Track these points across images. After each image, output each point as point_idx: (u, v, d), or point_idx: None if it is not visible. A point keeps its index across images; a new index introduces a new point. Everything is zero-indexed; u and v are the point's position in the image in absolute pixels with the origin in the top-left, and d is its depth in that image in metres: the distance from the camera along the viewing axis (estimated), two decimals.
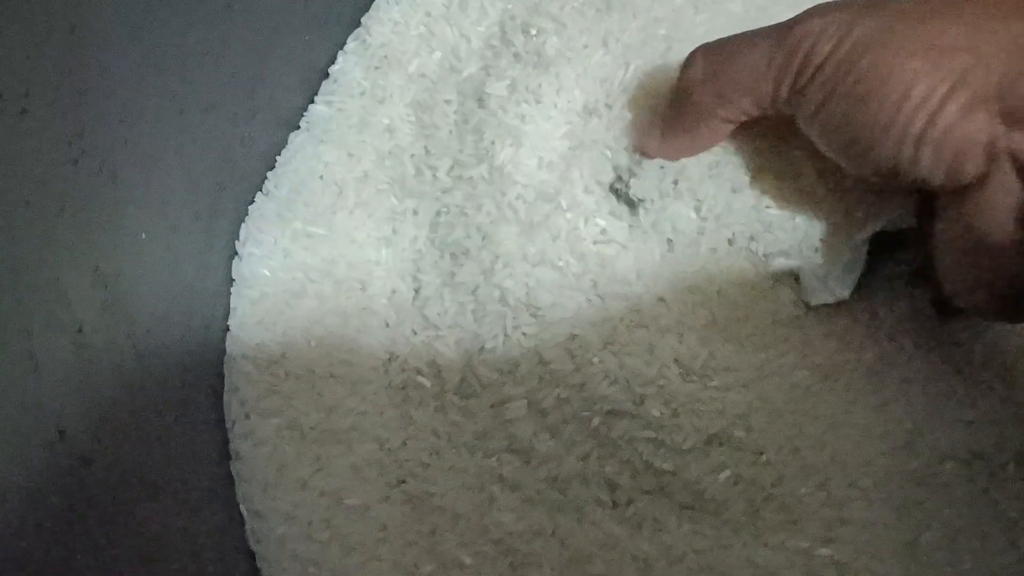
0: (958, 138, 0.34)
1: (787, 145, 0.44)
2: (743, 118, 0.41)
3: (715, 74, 0.41)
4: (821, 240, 0.43)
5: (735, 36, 0.41)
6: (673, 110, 0.43)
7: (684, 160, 0.44)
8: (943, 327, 0.44)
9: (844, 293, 0.44)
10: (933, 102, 0.34)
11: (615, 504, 0.44)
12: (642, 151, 0.45)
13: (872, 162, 0.37)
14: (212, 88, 0.45)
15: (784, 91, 0.39)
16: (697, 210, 0.44)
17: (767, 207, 0.44)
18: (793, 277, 0.45)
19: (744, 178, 0.44)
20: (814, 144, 0.40)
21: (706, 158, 0.44)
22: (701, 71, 0.41)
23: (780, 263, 0.44)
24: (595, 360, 0.43)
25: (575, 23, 0.49)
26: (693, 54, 0.42)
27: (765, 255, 0.44)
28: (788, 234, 0.43)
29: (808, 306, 0.45)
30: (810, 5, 0.39)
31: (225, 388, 0.48)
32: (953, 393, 0.43)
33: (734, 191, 0.44)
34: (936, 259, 0.39)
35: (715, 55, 0.41)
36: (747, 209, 0.44)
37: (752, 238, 0.44)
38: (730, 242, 0.44)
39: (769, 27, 0.39)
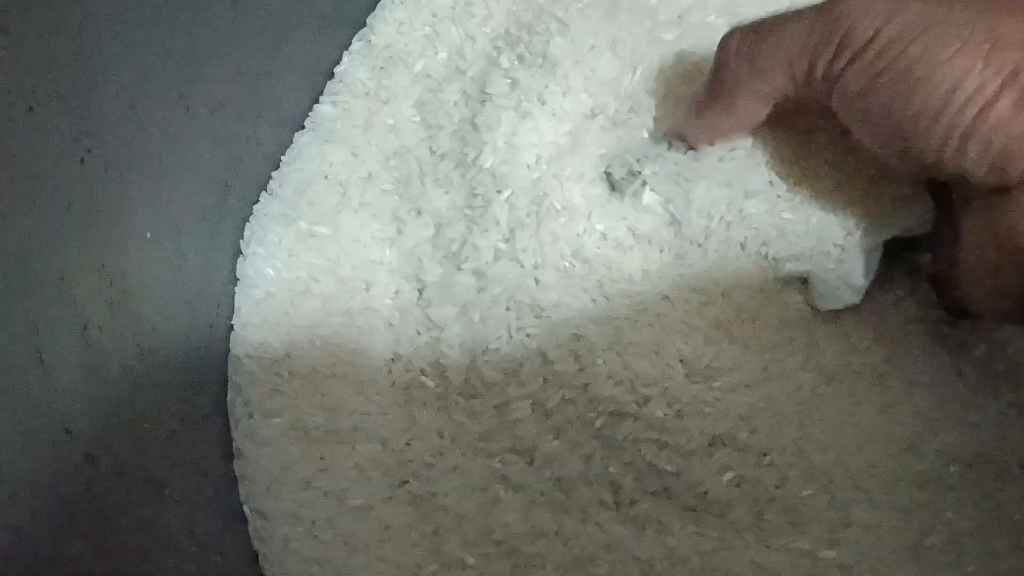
0: (1008, 135, 0.34)
1: (806, 149, 0.44)
2: (778, 97, 0.41)
3: (752, 47, 0.40)
4: (835, 244, 0.43)
5: (773, 14, 0.40)
6: (709, 88, 0.43)
7: (696, 164, 0.44)
8: (949, 330, 0.44)
9: (856, 298, 0.44)
10: (984, 97, 0.34)
11: (618, 505, 0.44)
12: (677, 135, 0.45)
13: (913, 153, 0.36)
14: (218, 88, 0.45)
15: (820, 70, 0.38)
16: (708, 216, 0.44)
17: (782, 212, 0.44)
18: (801, 280, 0.45)
19: (759, 182, 0.44)
20: (838, 142, 0.40)
21: (720, 164, 0.44)
22: (737, 45, 0.40)
23: (791, 267, 0.44)
24: (599, 361, 0.43)
25: (580, 25, 0.49)
26: (731, 30, 0.41)
27: (775, 259, 0.44)
28: (802, 238, 0.43)
29: (816, 309, 0.45)
30: None
31: (229, 387, 0.48)
32: (958, 396, 0.43)
33: (747, 196, 0.44)
34: (960, 261, 0.38)
35: (753, 30, 0.40)
36: (761, 214, 0.44)
37: (764, 243, 0.44)
38: (742, 246, 0.44)
39: (810, 7, 0.38)
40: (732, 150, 0.45)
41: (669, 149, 0.45)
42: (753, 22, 0.40)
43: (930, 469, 0.42)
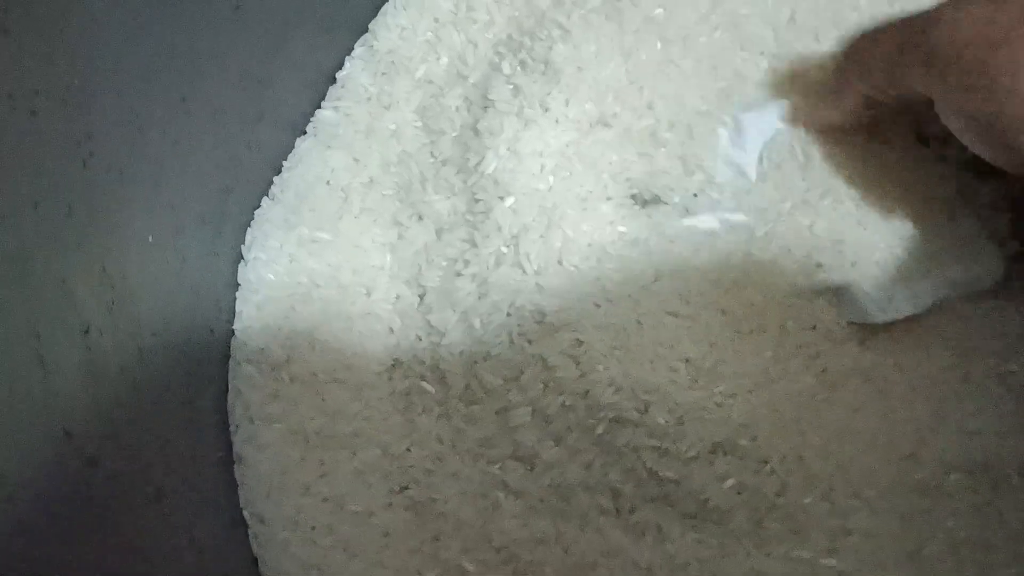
0: None
1: (876, 163, 0.45)
2: (878, 95, 0.42)
3: (861, 49, 0.42)
4: (909, 255, 0.44)
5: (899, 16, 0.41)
6: (830, 78, 0.45)
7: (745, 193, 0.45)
8: (951, 338, 0.44)
9: (909, 309, 0.44)
10: None
11: (619, 512, 0.44)
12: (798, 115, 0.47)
13: (1017, 154, 0.36)
14: (220, 92, 0.45)
15: (912, 79, 0.39)
16: (747, 231, 0.45)
17: (845, 227, 0.44)
18: (831, 291, 0.45)
19: (826, 200, 0.45)
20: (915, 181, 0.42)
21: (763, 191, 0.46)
22: (856, 43, 0.42)
23: (827, 276, 0.44)
24: (599, 367, 0.43)
25: (582, 32, 0.49)
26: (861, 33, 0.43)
27: (819, 264, 0.44)
28: (861, 251, 0.44)
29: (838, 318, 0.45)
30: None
31: (229, 392, 0.48)
32: (959, 403, 0.43)
33: (807, 208, 0.45)
34: None
35: (870, 32, 0.42)
36: (821, 229, 0.44)
37: (814, 248, 0.44)
38: (780, 253, 0.45)
39: (910, 16, 0.39)
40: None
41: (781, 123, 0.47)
42: (879, 24, 0.42)
43: (930, 477, 0.42)
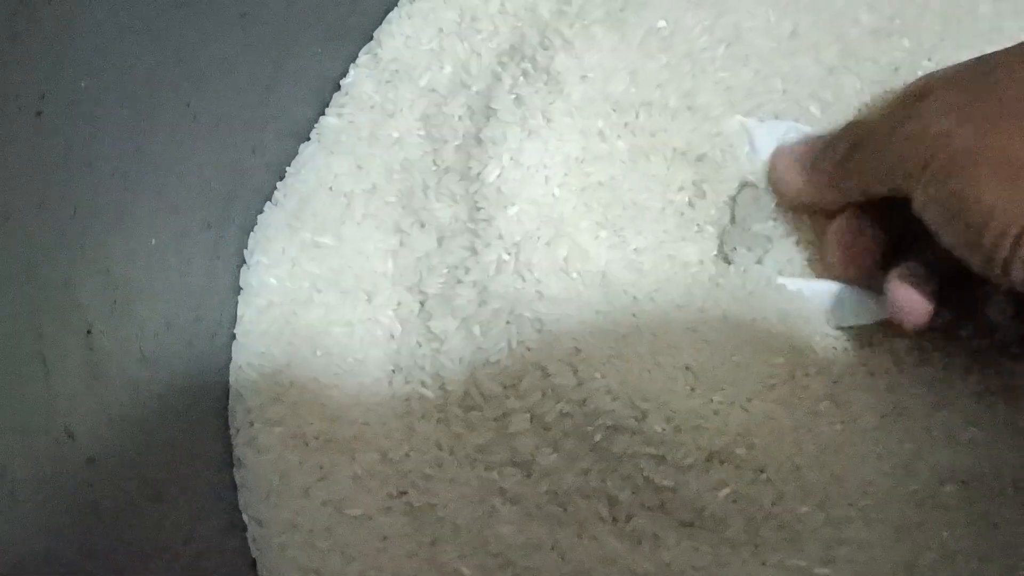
0: None
1: None
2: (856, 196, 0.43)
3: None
4: None
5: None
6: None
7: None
8: (946, 351, 0.44)
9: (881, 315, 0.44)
10: (1012, 234, 0.35)
11: (615, 519, 0.44)
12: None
13: (973, 264, 0.38)
14: (225, 97, 0.45)
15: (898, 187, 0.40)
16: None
17: None
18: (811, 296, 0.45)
19: None
20: None
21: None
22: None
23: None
24: (597, 375, 0.44)
25: (584, 43, 0.49)
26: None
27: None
28: None
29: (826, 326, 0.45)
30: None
31: (230, 395, 0.48)
32: (954, 415, 0.43)
33: None
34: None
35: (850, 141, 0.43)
36: None
37: None
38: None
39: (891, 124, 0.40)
40: None
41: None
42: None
43: (925, 488, 0.43)
